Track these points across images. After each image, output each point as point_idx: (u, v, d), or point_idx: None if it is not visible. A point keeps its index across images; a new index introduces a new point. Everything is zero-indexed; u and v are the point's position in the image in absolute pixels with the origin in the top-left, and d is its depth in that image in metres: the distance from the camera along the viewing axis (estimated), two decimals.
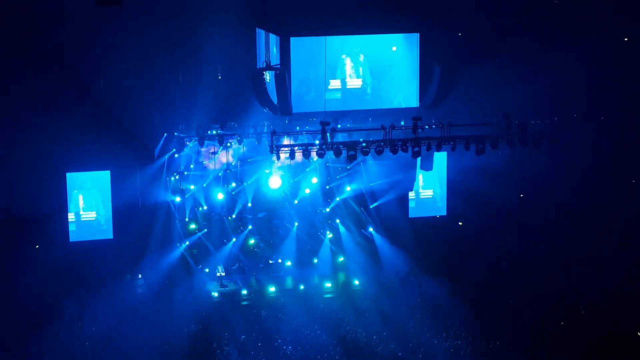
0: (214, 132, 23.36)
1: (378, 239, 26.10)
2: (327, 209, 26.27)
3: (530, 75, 23.59)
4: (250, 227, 25.84)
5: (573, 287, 23.35)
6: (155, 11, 21.80)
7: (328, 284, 24.97)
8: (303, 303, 24.03)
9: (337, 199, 26.29)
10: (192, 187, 24.98)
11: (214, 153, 24.71)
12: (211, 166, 25.12)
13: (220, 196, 25.05)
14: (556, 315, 22.35)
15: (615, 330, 21.06)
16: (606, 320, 21.64)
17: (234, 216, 25.70)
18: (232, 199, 25.64)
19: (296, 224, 26.09)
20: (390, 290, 24.30)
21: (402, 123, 21.67)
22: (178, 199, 24.73)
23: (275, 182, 24.99)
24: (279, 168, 25.40)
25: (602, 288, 23.07)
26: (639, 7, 22.50)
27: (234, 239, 25.59)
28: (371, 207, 26.14)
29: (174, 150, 24.05)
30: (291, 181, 25.81)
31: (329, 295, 24.58)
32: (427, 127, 21.35)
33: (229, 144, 24.12)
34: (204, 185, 25.11)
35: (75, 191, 23.01)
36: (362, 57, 22.40)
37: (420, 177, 25.43)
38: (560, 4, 22.98)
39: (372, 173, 25.89)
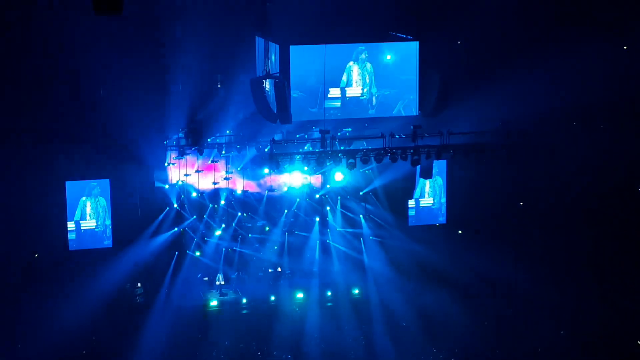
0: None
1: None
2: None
3: (531, 83, 23.56)
4: (250, 235, 25.81)
5: (572, 296, 23.33)
6: (154, 20, 21.82)
7: (328, 293, 24.91)
8: (303, 311, 24.02)
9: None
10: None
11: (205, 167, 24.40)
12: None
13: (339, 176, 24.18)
14: (555, 326, 22.39)
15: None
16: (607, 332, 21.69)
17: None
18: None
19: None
20: (389, 299, 24.29)
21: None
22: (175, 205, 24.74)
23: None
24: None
25: (602, 297, 23.06)
26: (636, 15, 22.51)
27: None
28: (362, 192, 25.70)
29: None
30: None
31: (329, 304, 24.55)
32: (426, 135, 21.33)
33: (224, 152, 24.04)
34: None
35: (84, 198, 22.83)
36: (359, 66, 22.39)
37: (428, 184, 25.33)
38: (560, 11, 22.97)
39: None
